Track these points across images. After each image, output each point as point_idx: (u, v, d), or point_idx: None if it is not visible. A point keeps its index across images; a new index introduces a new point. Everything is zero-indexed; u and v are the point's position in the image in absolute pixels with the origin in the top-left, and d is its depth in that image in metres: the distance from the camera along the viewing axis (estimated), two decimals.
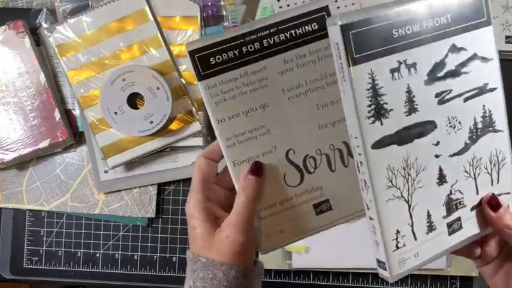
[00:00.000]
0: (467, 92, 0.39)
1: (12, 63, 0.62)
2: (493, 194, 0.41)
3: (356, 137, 0.37)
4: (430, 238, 0.40)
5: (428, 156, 0.39)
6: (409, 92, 0.37)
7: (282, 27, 0.41)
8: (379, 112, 0.36)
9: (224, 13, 0.62)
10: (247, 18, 0.65)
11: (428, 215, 0.39)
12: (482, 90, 0.40)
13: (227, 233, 0.39)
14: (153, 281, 0.65)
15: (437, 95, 0.38)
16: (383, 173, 0.37)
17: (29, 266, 0.66)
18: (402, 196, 0.38)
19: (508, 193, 0.42)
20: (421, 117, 0.38)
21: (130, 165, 0.63)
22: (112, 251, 0.66)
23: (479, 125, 0.40)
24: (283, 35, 0.41)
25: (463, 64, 0.39)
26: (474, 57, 0.39)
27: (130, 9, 0.60)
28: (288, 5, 0.62)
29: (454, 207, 0.40)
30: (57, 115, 0.63)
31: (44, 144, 0.62)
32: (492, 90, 0.40)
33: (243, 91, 0.42)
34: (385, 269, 0.39)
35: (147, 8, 0.60)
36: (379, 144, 0.36)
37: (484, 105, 0.40)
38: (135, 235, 0.66)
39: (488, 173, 0.41)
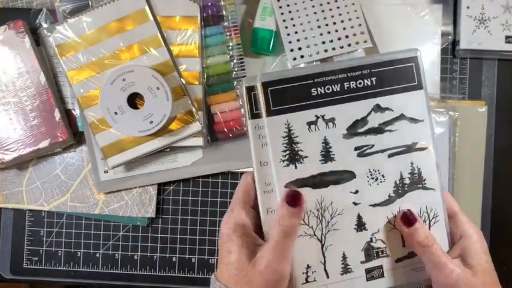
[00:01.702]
0: (392, 148, 0.42)
1: (12, 63, 0.62)
2: (408, 210, 0.41)
3: (273, 177, 0.41)
4: (344, 279, 0.42)
5: (345, 202, 0.42)
6: (325, 142, 0.41)
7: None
8: (293, 157, 0.41)
9: (224, 13, 0.62)
10: (248, 18, 0.65)
11: (344, 257, 0.42)
12: (409, 148, 0.42)
13: (262, 267, 0.37)
14: (153, 281, 0.65)
15: (356, 148, 0.42)
16: None
17: (29, 266, 0.66)
18: (315, 235, 0.41)
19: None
20: (337, 166, 0.41)
21: (130, 165, 0.63)
22: (112, 251, 0.66)
23: (407, 181, 0.42)
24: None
25: (388, 123, 0.42)
26: (401, 117, 0.42)
27: (130, 9, 0.60)
28: (288, 5, 0.62)
29: (375, 254, 0.42)
30: (57, 115, 0.63)
31: (44, 144, 0.62)
32: (422, 149, 0.42)
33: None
34: None
35: (147, 8, 0.60)
36: (292, 184, 0.41)
37: (412, 163, 0.42)
38: (135, 235, 0.66)
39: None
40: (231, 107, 0.62)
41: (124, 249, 0.65)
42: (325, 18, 0.62)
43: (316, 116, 0.41)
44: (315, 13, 0.62)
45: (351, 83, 0.42)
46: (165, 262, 0.65)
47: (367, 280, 0.42)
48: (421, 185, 0.43)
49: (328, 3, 0.63)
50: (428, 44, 0.64)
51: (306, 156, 0.41)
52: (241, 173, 0.65)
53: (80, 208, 0.65)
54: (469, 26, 0.64)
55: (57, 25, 0.61)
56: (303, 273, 0.41)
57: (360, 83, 0.42)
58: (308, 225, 0.41)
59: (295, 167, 0.41)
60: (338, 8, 0.63)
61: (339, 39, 0.62)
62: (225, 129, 0.62)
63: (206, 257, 0.65)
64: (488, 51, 0.64)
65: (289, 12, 0.63)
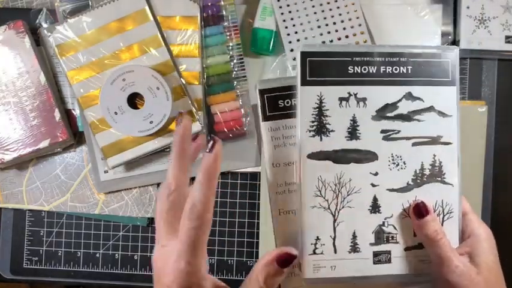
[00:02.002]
0: (417, 137, 0.43)
1: (12, 63, 0.62)
2: (422, 202, 0.42)
3: (298, 145, 0.42)
4: (351, 258, 0.42)
5: (364, 182, 0.42)
6: (354, 120, 0.42)
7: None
8: (320, 129, 0.42)
9: (224, 13, 0.62)
10: (248, 18, 0.65)
11: (354, 236, 0.42)
12: (434, 141, 0.43)
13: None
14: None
15: (383, 131, 0.42)
16: (314, 181, 0.41)
17: (29, 266, 0.66)
18: (329, 208, 0.42)
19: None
20: (361, 146, 0.42)
21: (130, 165, 0.63)
22: (112, 251, 0.66)
23: (427, 172, 0.43)
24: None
25: (417, 112, 0.43)
26: (430, 109, 0.43)
27: (130, 9, 0.60)
28: (288, 5, 0.62)
29: (385, 239, 0.42)
30: (57, 115, 0.63)
31: (44, 144, 0.62)
32: (446, 143, 0.43)
33: None
34: (300, 270, 0.42)
35: (147, 8, 0.60)
36: (315, 155, 0.42)
37: (434, 155, 0.43)
38: (135, 235, 0.66)
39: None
40: (231, 107, 0.62)
41: (124, 249, 0.65)
42: (325, 18, 0.62)
43: (349, 93, 0.42)
44: (315, 13, 0.62)
45: (388, 67, 0.42)
46: None
47: (374, 263, 0.42)
48: (440, 179, 0.43)
49: (328, 3, 0.63)
50: (428, 44, 0.64)
51: (332, 130, 0.42)
52: (241, 173, 0.65)
53: (80, 208, 0.65)
54: (469, 26, 0.64)
55: (57, 25, 0.61)
56: (312, 244, 0.42)
57: (396, 69, 0.42)
58: (324, 198, 0.42)
59: (321, 139, 0.42)
60: (338, 8, 0.63)
61: (339, 39, 0.62)
62: (225, 129, 0.62)
63: None
64: (488, 51, 0.64)
65: (289, 12, 0.63)
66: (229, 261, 0.64)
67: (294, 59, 0.62)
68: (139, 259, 0.65)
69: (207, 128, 0.62)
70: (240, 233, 0.64)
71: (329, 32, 0.62)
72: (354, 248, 0.42)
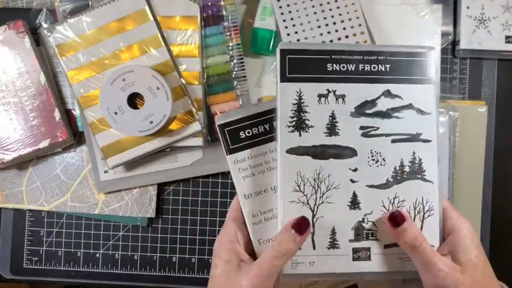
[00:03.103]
0: (396, 134, 0.43)
1: (12, 63, 0.62)
2: (397, 210, 0.42)
3: (277, 140, 0.42)
4: (330, 254, 0.42)
5: (343, 178, 0.42)
6: (333, 117, 0.43)
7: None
8: (299, 125, 0.42)
9: (224, 13, 0.62)
10: (248, 18, 0.65)
11: (333, 232, 0.42)
12: (413, 138, 0.43)
13: (243, 283, 0.38)
14: (153, 281, 0.65)
15: (362, 128, 0.43)
16: (292, 176, 0.42)
17: (29, 266, 0.66)
18: (308, 203, 0.42)
19: (433, 246, 0.42)
20: (340, 141, 0.42)
21: (130, 165, 0.63)
22: (112, 251, 0.66)
23: (406, 169, 0.43)
24: None
25: (396, 109, 0.43)
26: (409, 106, 0.43)
27: (130, 9, 0.60)
28: (288, 5, 0.62)
29: (365, 235, 0.42)
30: (57, 115, 0.63)
31: (44, 144, 0.62)
32: (425, 141, 0.43)
33: (272, 166, 0.44)
34: None
35: (147, 8, 0.60)
36: (294, 151, 0.42)
37: (414, 152, 0.43)
38: (135, 235, 0.66)
39: (411, 217, 0.43)
40: (231, 107, 0.62)
41: (124, 249, 0.65)
42: (325, 18, 0.62)
43: (327, 90, 0.43)
44: (315, 13, 0.62)
45: (366, 65, 0.43)
46: (165, 262, 0.65)
47: (353, 260, 0.42)
48: (420, 176, 0.43)
49: (328, 3, 0.63)
50: (428, 44, 0.64)
51: (311, 126, 0.42)
52: None
53: (80, 208, 0.65)
54: (469, 26, 0.64)
55: (57, 25, 0.61)
56: None
57: (375, 67, 0.43)
58: (303, 193, 0.42)
59: (300, 135, 0.42)
60: (338, 8, 0.63)
61: (339, 39, 0.62)
62: None
63: (206, 257, 0.65)
64: (488, 51, 0.64)
65: (289, 12, 0.63)
66: None
67: None
68: (139, 259, 0.65)
69: (207, 128, 0.62)
70: None
71: (329, 32, 0.62)
72: (333, 244, 0.42)
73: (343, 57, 0.43)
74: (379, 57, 0.43)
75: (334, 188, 0.42)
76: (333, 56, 0.43)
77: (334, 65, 0.43)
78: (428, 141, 0.43)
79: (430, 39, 0.64)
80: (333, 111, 0.42)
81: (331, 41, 0.62)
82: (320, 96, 0.42)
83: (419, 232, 0.40)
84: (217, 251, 0.41)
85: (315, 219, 0.42)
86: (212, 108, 0.62)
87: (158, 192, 0.65)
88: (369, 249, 0.42)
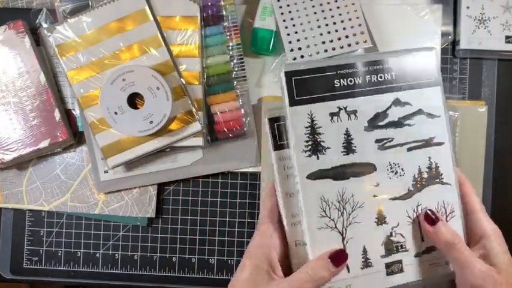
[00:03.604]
0: (411, 142, 0.43)
1: (12, 63, 0.62)
2: (429, 209, 0.42)
3: (295, 167, 0.41)
4: (365, 274, 0.41)
5: (366, 195, 0.42)
6: (347, 134, 0.41)
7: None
8: (316, 148, 0.41)
9: (224, 13, 0.62)
10: (248, 18, 0.65)
11: (365, 251, 0.42)
12: (427, 143, 0.43)
13: None
14: (153, 281, 0.65)
15: (377, 141, 0.42)
16: (316, 202, 0.41)
17: (29, 266, 0.66)
18: (336, 227, 0.41)
19: None
20: (358, 158, 0.42)
21: (130, 165, 0.63)
22: (112, 251, 0.66)
23: (425, 175, 0.43)
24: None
25: (407, 117, 0.43)
26: (419, 112, 0.43)
27: (130, 9, 0.60)
28: (288, 5, 0.62)
29: (395, 249, 0.42)
30: (57, 115, 0.63)
31: (44, 144, 0.62)
32: (439, 144, 0.43)
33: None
34: None
35: (147, 8, 0.60)
36: (314, 175, 0.41)
37: (429, 157, 0.43)
38: (135, 235, 0.66)
39: None
40: (231, 107, 0.62)
41: (124, 249, 0.65)
42: (325, 18, 0.62)
43: (338, 107, 0.42)
44: (315, 13, 0.62)
45: (372, 76, 0.42)
46: (165, 262, 0.65)
47: (387, 275, 0.42)
48: (438, 180, 0.43)
49: (328, 3, 0.63)
50: (428, 44, 0.64)
51: (328, 147, 0.41)
52: (241, 173, 0.65)
53: (80, 208, 0.65)
54: (469, 26, 0.64)
55: (57, 25, 0.61)
56: None
57: (381, 77, 0.42)
58: (329, 218, 0.41)
59: (317, 158, 0.41)
60: (338, 8, 0.63)
61: (339, 39, 0.62)
62: (225, 129, 0.62)
63: (206, 257, 0.65)
64: (488, 51, 0.64)
65: (289, 12, 0.63)
66: (229, 261, 0.64)
67: (294, 59, 0.62)
68: (139, 259, 0.65)
69: (207, 128, 0.62)
70: (240, 233, 0.64)
71: (329, 32, 0.62)
72: (366, 263, 0.42)
73: (350, 70, 0.42)
74: (384, 66, 0.42)
75: (359, 207, 0.42)
76: (339, 72, 0.41)
77: (342, 80, 0.41)
78: (441, 143, 0.43)
79: (430, 39, 0.64)
80: (347, 128, 0.42)
81: (332, 41, 0.62)
82: (332, 115, 0.41)
83: (454, 231, 0.41)
84: (251, 251, 0.39)
85: (345, 242, 0.41)
86: (212, 108, 0.62)
87: (158, 192, 0.65)
88: (400, 261, 0.42)
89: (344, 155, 0.41)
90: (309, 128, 0.41)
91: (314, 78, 0.41)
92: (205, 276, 0.65)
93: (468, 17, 0.64)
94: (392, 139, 0.42)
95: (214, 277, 0.64)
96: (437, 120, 0.43)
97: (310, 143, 0.41)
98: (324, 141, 0.41)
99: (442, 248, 0.41)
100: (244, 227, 0.64)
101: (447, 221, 0.42)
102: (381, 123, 0.42)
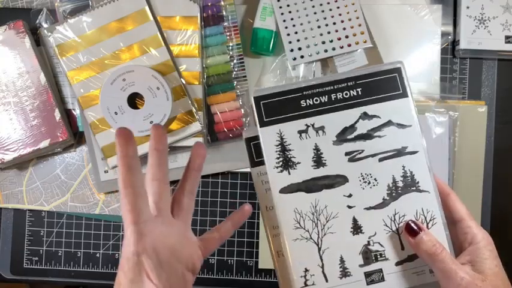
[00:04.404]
0: (382, 153, 0.44)
1: (12, 63, 0.62)
2: (411, 220, 0.42)
3: (269, 182, 0.43)
4: (344, 283, 0.42)
5: (340, 206, 0.43)
6: (316, 149, 0.44)
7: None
8: (286, 163, 0.43)
9: (224, 13, 0.62)
10: (248, 18, 0.65)
11: (342, 260, 0.43)
12: (400, 152, 0.44)
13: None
14: None
15: (347, 154, 0.44)
16: (291, 214, 0.43)
17: (29, 266, 0.66)
18: (311, 238, 0.43)
19: None
20: (329, 171, 0.43)
21: None
22: (112, 251, 0.66)
23: (400, 184, 0.43)
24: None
25: (376, 129, 0.44)
26: (389, 123, 0.44)
27: (130, 9, 0.60)
28: (288, 5, 0.62)
29: (373, 258, 0.43)
30: (57, 115, 0.63)
31: (44, 144, 0.62)
32: (412, 153, 0.44)
33: None
34: None
35: (147, 8, 0.60)
36: (286, 189, 0.43)
37: (403, 166, 0.44)
38: None
39: None
40: (231, 107, 0.62)
41: None
42: (325, 18, 0.62)
43: (306, 125, 0.44)
44: (315, 13, 0.62)
45: (338, 94, 0.44)
46: None
47: (368, 284, 0.42)
48: (415, 188, 0.43)
49: (328, 3, 0.63)
50: (428, 44, 0.64)
51: (298, 162, 0.43)
52: (241, 173, 0.65)
53: (80, 208, 0.65)
54: (469, 26, 0.64)
55: (57, 25, 0.61)
56: (301, 276, 0.42)
57: (346, 94, 0.44)
58: (304, 229, 0.43)
59: (289, 173, 0.43)
60: (338, 8, 0.63)
61: (339, 39, 0.62)
62: (225, 129, 0.62)
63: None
64: (488, 51, 0.64)
65: (289, 12, 0.63)
66: (229, 261, 0.64)
67: (294, 59, 0.62)
68: None
69: (207, 128, 0.62)
70: (240, 233, 0.64)
71: (329, 32, 0.62)
72: (345, 273, 0.42)
73: (314, 91, 0.44)
74: (349, 83, 0.44)
75: (333, 217, 0.43)
76: (304, 92, 0.44)
77: (307, 100, 0.44)
78: (415, 152, 0.44)
79: (430, 39, 0.64)
80: (316, 143, 0.44)
81: (332, 41, 0.62)
82: (300, 132, 0.44)
83: (436, 240, 0.41)
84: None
85: (321, 252, 0.42)
86: (212, 108, 0.62)
87: None
88: (380, 270, 0.43)
89: (315, 168, 0.43)
90: (279, 146, 0.44)
91: (281, 101, 0.44)
92: (205, 276, 0.65)
93: (468, 17, 0.64)
94: (363, 151, 0.44)
95: (215, 277, 0.64)
96: (409, 130, 0.44)
97: (281, 159, 0.43)
98: (294, 157, 0.43)
99: (425, 259, 0.41)
100: (244, 227, 0.64)
101: (429, 228, 0.42)
102: (349, 137, 0.44)
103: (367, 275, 0.42)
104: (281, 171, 0.43)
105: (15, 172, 0.66)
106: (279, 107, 0.44)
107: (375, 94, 0.44)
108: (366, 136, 0.44)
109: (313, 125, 0.44)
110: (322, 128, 0.44)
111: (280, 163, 0.43)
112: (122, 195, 0.36)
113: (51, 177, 0.66)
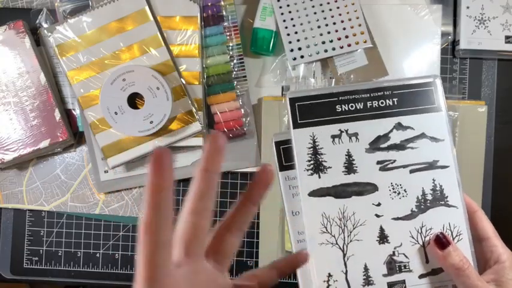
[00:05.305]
0: (413, 164, 0.44)
1: (12, 63, 0.62)
2: (441, 232, 0.42)
3: (298, 185, 0.43)
4: None
5: (368, 214, 0.43)
6: (349, 155, 0.44)
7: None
8: (317, 167, 0.43)
9: (224, 13, 0.62)
10: (248, 18, 0.65)
11: (366, 269, 0.43)
12: (431, 166, 0.44)
13: None
14: None
15: (379, 162, 0.44)
16: (318, 218, 0.43)
17: (29, 266, 0.66)
18: (337, 243, 0.43)
19: None
20: (360, 178, 0.43)
21: (130, 165, 0.63)
22: (112, 251, 0.66)
23: (429, 197, 0.43)
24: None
25: (409, 140, 0.44)
26: (422, 136, 0.44)
27: (130, 9, 0.60)
28: (288, 5, 0.62)
29: (397, 268, 0.43)
30: (57, 115, 0.63)
31: (44, 144, 0.62)
32: (443, 167, 0.44)
33: None
34: None
35: (147, 8, 0.60)
36: (316, 193, 0.43)
37: (434, 180, 0.44)
38: (135, 235, 0.65)
39: None
40: (231, 107, 0.62)
41: (124, 249, 0.65)
42: (325, 18, 0.62)
43: (340, 130, 0.44)
44: (315, 13, 0.62)
45: (374, 102, 0.44)
46: None
47: None
48: (443, 202, 0.43)
49: (328, 3, 0.63)
50: (428, 44, 0.64)
51: (329, 167, 0.43)
52: (241, 173, 0.65)
53: (80, 208, 0.65)
54: (469, 26, 0.64)
55: (57, 25, 0.61)
56: (324, 281, 0.42)
57: (382, 103, 0.44)
58: (330, 234, 0.43)
59: (319, 177, 0.43)
60: (338, 8, 0.63)
61: (339, 39, 0.62)
62: (225, 129, 0.62)
63: None
64: (488, 51, 0.64)
65: (289, 12, 0.63)
66: None
67: (294, 59, 0.62)
68: None
69: (207, 128, 0.62)
70: None
71: (329, 32, 0.62)
72: (368, 281, 0.42)
73: (350, 97, 0.44)
74: (385, 93, 0.44)
75: (361, 225, 0.43)
76: (340, 98, 0.44)
77: (343, 105, 0.44)
78: (446, 167, 0.44)
79: (430, 39, 0.64)
80: (348, 149, 0.43)
81: (332, 41, 0.62)
82: (333, 137, 0.44)
83: (463, 255, 0.41)
84: None
85: (346, 259, 0.42)
86: (212, 108, 0.62)
87: None
88: (403, 281, 0.43)
89: (345, 174, 0.43)
90: (311, 149, 0.43)
91: (316, 104, 0.44)
92: None
93: (468, 17, 0.64)
94: (395, 161, 0.44)
95: None
96: (441, 144, 0.44)
97: (312, 162, 0.43)
98: (325, 161, 0.43)
99: (450, 272, 0.41)
100: None
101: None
102: (382, 146, 0.44)
103: (390, 285, 0.42)
104: (311, 174, 0.43)
105: (15, 172, 0.66)
106: (314, 110, 0.44)
107: (410, 105, 0.44)
108: (399, 146, 0.44)
109: (347, 131, 0.44)
110: (355, 134, 0.44)
111: (311, 166, 0.43)
112: (139, 238, 0.27)
113: (51, 177, 0.66)
